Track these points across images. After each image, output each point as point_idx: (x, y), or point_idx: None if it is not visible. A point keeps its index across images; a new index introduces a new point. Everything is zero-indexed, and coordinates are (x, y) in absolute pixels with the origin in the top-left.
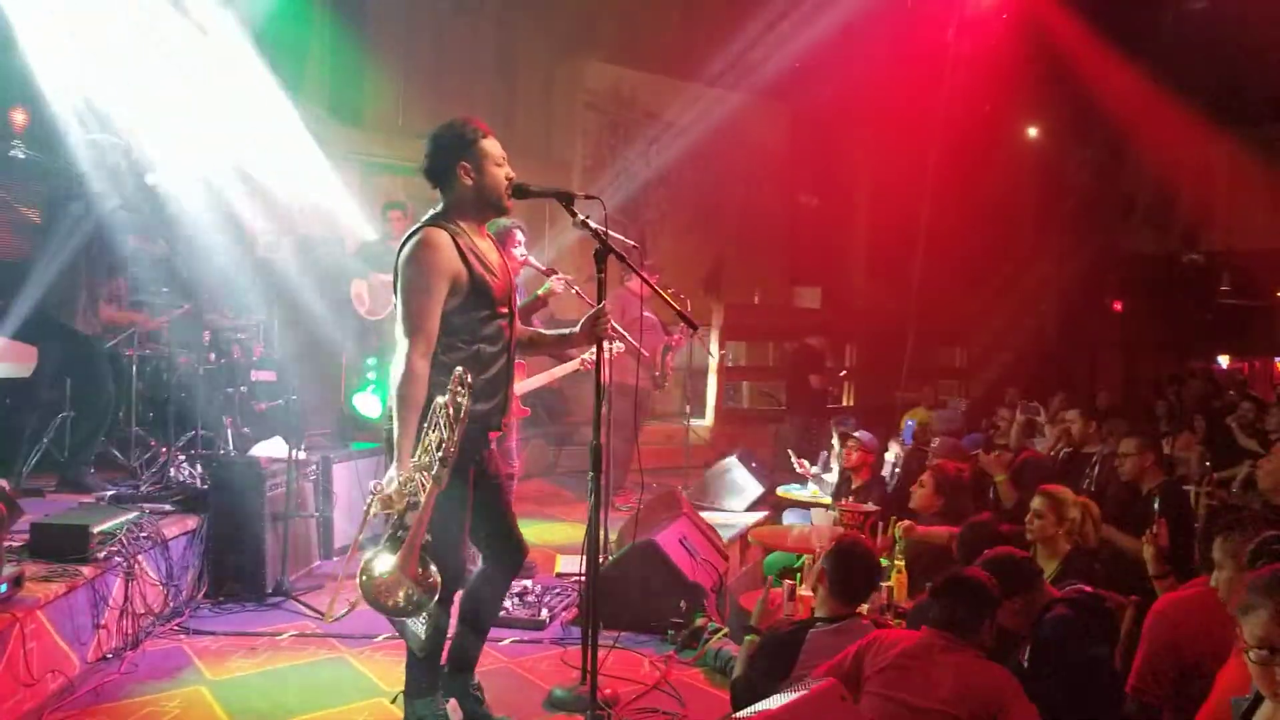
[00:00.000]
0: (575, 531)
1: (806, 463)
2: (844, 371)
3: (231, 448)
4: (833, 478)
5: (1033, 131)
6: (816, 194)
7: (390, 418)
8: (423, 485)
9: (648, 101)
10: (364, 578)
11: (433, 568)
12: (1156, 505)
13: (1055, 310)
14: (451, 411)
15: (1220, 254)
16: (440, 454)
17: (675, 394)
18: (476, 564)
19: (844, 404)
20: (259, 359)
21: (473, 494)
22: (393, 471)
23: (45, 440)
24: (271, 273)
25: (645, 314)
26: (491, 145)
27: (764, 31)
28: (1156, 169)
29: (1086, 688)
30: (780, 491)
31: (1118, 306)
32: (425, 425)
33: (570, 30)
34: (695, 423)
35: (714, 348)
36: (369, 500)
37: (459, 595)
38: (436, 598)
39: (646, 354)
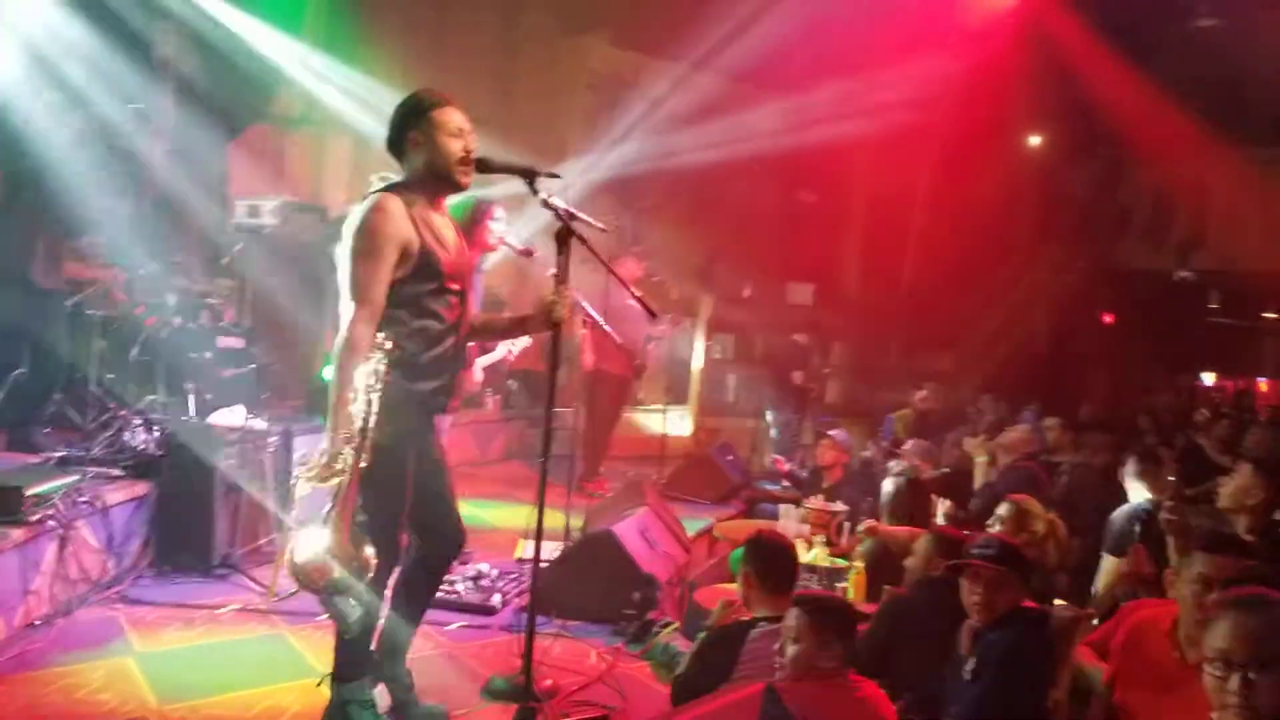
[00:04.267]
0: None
1: (783, 460)
2: (828, 370)
3: (192, 413)
4: (804, 474)
5: (1034, 140)
6: (814, 191)
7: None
8: (346, 460)
9: (650, 87)
10: (291, 555)
11: (367, 548)
12: (1137, 529)
13: (1046, 320)
14: (372, 380)
15: (1212, 273)
16: (362, 426)
17: (656, 385)
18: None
19: (826, 402)
20: (227, 325)
21: (412, 475)
22: (324, 444)
23: None
24: (248, 238)
25: (630, 301)
26: (445, 115)
27: (773, 25)
28: (1155, 184)
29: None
30: (755, 486)
31: (1108, 319)
32: (365, 399)
33: (578, 9)
34: (676, 413)
35: (699, 344)
36: (295, 474)
37: (393, 579)
38: (368, 579)
39: (620, 340)
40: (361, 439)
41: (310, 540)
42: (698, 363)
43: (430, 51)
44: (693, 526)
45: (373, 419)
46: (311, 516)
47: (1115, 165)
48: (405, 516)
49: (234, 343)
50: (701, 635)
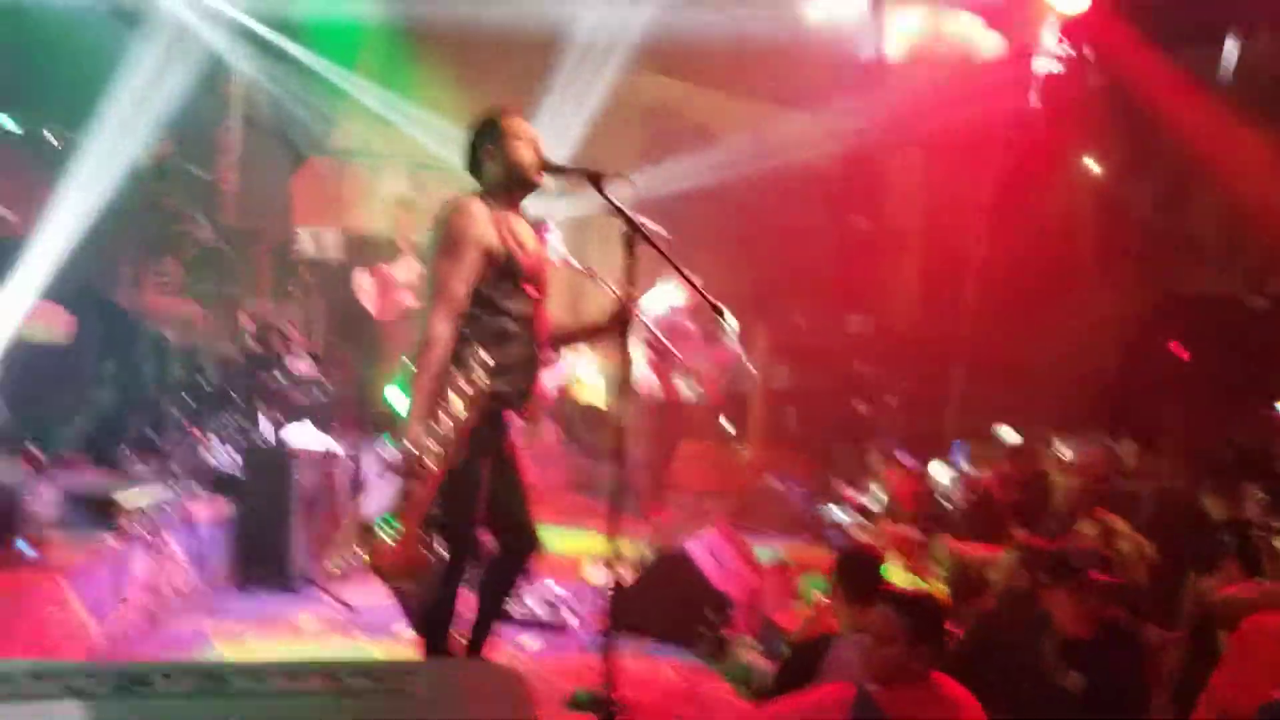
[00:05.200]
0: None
1: (852, 491)
2: (891, 398)
3: (265, 435)
4: (874, 503)
5: (1094, 165)
6: (869, 219)
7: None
8: (433, 457)
9: (698, 116)
10: (365, 538)
11: (439, 542)
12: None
13: (1115, 351)
14: (471, 392)
15: None
16: (455, 432)
17: (716, 416)
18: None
19: (890, 432)
20: (297, 349)
21: (488, 476)
22: (407, 438)
23: (83, 419)
24: (315, 264)
25: (688, 325)
26: (514, 123)
27: (818, 50)
28: (1223, 207)
29: None
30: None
31: (1179, 350)
32: (442, 399)
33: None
34: (735, 445)
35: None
36: (380, 468)
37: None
38: (437, 573)
39: (681, 359)
40: (454, 443)
41: (385, 528)
42: (757, 393)
43: (480, 86)
44: (762, 555)
45: (466, 429)
46: (382, 509)
47: (1180, 187)
48: (480, 515)
49: (304, 367)
50: (786, 648)
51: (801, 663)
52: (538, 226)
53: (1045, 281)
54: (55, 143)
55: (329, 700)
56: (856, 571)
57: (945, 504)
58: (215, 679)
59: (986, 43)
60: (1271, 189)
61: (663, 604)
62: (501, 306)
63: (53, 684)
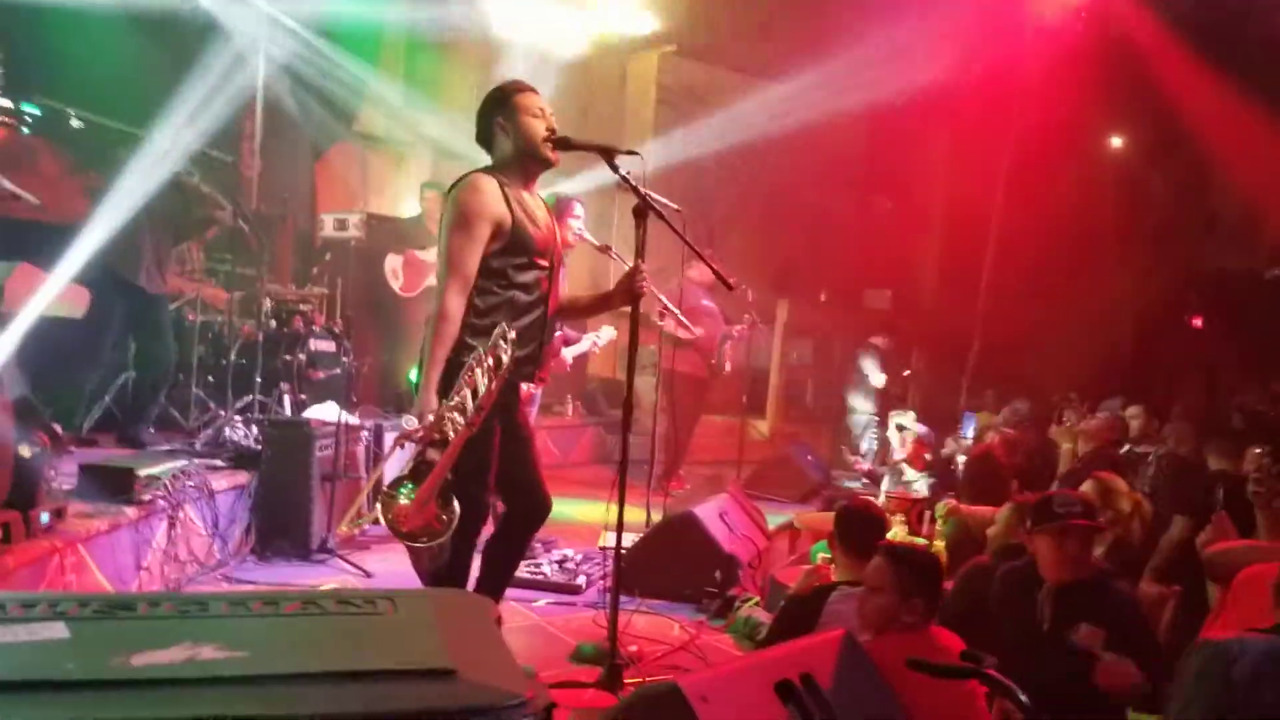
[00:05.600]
0: (626, 514)
1: (861, 459)
2: (908, 372)
3: (287, 412)
4: (884, 469)
5: (1115, 142)
6: (890, 197)
7: (421, 357)
8: (454, 425)
9: (721, 98)
10: (384, 501)
11: (454, 505)
12: (1220, 496)
13: (1131, 323)
14: (491, 363)
15: None
16: (478, 401)
17: (736, 391)
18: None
19: (907, 405)
20: (319, 329)
21: (499, 443)
22: (417, 406)
23: (107, 398)
24: (337, 247)
25: (706, 302)
26: (527, 99)
27: (841, 32)
28: (1242, 183)
29: None
30: (835, 484)
31: (1198, 323)
32: (463, 370)
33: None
34: (753, 419)
35: (777, 349)
36: (397, 434)
37: (482, 540)
38: (450, 533)
39: (700, 334)
40: (477, 413)
41: (404, 490)
42: (775, 368)
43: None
44: (774, 522)
45: (491, 398)
46: (406, 469)
47: (1201, 165)
48: (492, 479)
49: (325, 346)
50: (784, 601)
51: (799, 613)
52: (568, 204)
53: (1063, 259)
54: (78, 124)
55: (305, 620)
56: (856, 524)
57: (952, 468)
58: (198, 604)
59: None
60: None
61: (671, 565)
62: (514, 280)
63: (42, 609)
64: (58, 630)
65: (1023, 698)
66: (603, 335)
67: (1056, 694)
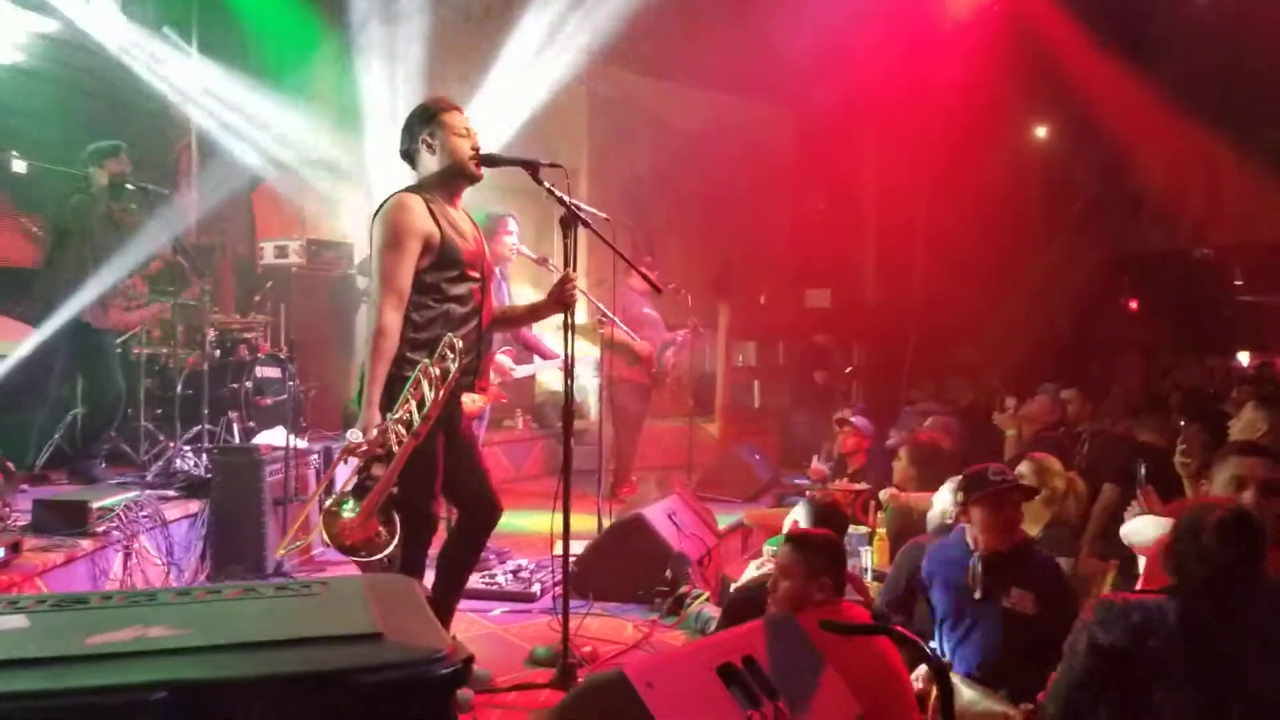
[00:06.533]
0: (580, 522)
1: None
2: (850, 369)
3: (236, 440)
4: (828, 463)
5: (1039, 131)
6: (824, 196)
7: (362, 376)
8: (398, 439)
9: (651, 106)
10: (326, 517)
11: (394, 519)
12: (1143, 470)
13: (1067, 309)
14: (438, 374)
15: (1233, 248)
16: (424, 412)
17: (683, 395)
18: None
19: (851, 401)
20: (264, 356)
21: (443, 454)
22: (363, 420)
23: (56, 436)
24: (279, 276)
25: (647, 310)
26: (453, 118)
27: (766, 35)
28: (1163, 167)
29: None
30: (784, 482)
31: (1133, 305)
32: (408, 383)
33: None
34: (702, 422)
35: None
36: (341, 448)
37: (434, 552)
38: (391, 547)
39: (646, 346)
40: (423, 424)
41: (346, 506)
42: (721, 371)
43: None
44: (725, 522)
45: (438, 409)
46: (349, 485)
47: (1122, 150)
48: (438, 489)
49: (271, 372)
50: (731, 593)
51: (744, 604)
52: (502, 221)
53: (995, 248)
54: (19, 168)
55: (245, 603)
56: (816, 519)
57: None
58: (146, 596)
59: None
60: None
61: (623, 568)
62: (448, 293)
63: (3, 606)
64: (19, 621)
65: (928, 648)
66: (550, 363)
67: (993, 655)
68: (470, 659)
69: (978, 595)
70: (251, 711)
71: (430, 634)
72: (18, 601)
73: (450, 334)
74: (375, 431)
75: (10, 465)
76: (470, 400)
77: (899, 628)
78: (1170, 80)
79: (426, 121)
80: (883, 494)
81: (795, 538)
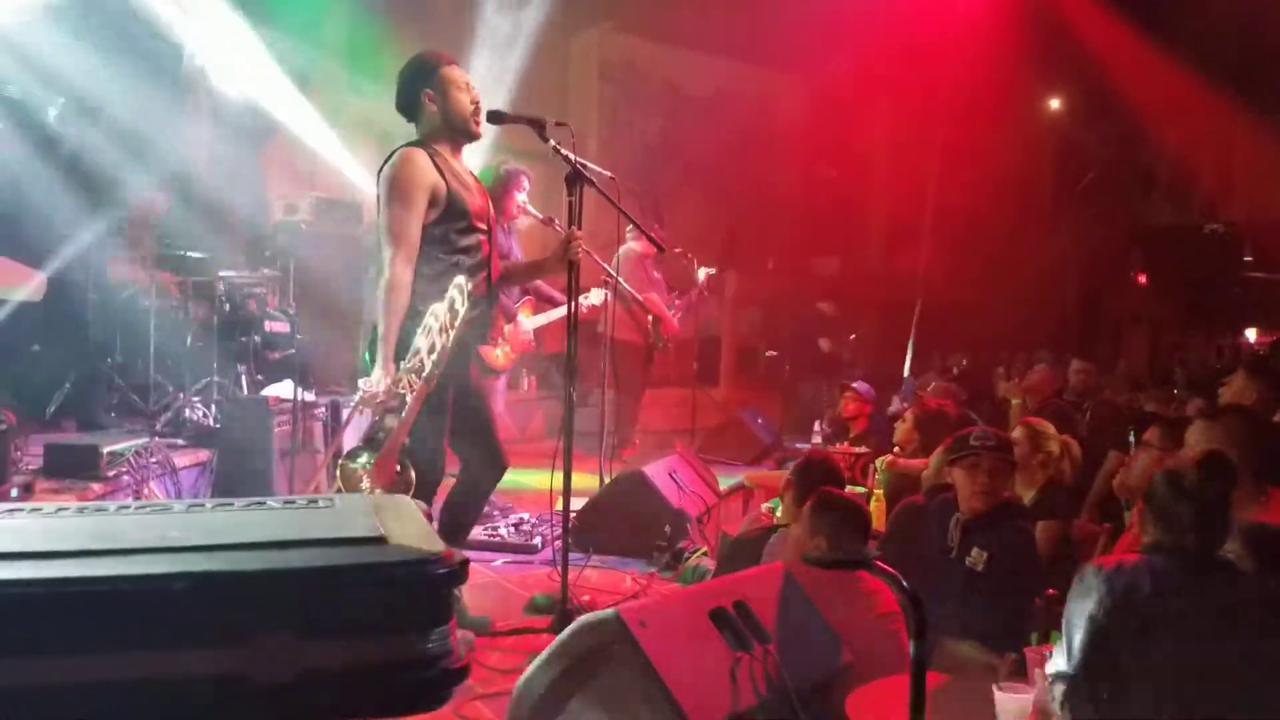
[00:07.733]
0: (582, 481)
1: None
2: (853, 336)
3: (245, 393)
4: (831, 428)
5: (1052, 103)
6: (834, 165)
7: (375, 328)
8: (410, 386)
9: (663, 73)
10: (343, 466)
11: (410, 469)
12: (1131, 436)
13: (1076, 283)
14: (447, 318)
15: (1244, 225)
16: (434, 356)
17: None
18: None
19: (855, 368)
20: (273, 311)
21: (453, 405)
22: (377, 373)
23: (66, 385)
24: (288, 230)
25: (653, 274)
26: (453, 72)
27: (779, 3)
28: (1176, 141)
29: None
30: (786, 445)
31: (1141, 279)
32: (418, 331)
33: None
34: (706, 388)
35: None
36: (355, 399)
37: (440, 501)
38: (409, 495)
39: (650, 309)
40: (434, 369)
41: (362, 455)
42: (726, 336)
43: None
44: (726, 483)
45: (446, 352)
46: (363, 436)
47: (1135, 124)
48: (447, 440)
49: (280, 327)
50: (727, 546)
51: (740, 553)
52: (517, 177)
53: (1005, 220)
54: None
55: (256, 512)
56: (808, 474)
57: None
58: (161, 506)
59: None
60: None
61: (623, 522)
62: (456, 245)
63: (27, 512)
64: (46, 521)
65: (904, 584)
66: (593, 296)
67: (960, 610)
68: (466, 562)
69: (954, 555)
70: (265, 602)
71: (430, 540)
72: (41, 508)
73: (461, 278)
74: (389, 381)
75: (12, 417)
76: (503, 354)
77: (877, 562)
78: (1185, 54)
79: (427, 76)
80: (879, 460)
81: (822, 500)
